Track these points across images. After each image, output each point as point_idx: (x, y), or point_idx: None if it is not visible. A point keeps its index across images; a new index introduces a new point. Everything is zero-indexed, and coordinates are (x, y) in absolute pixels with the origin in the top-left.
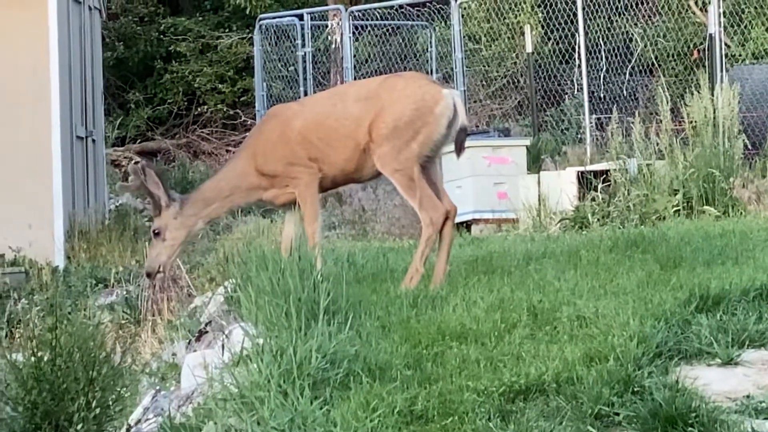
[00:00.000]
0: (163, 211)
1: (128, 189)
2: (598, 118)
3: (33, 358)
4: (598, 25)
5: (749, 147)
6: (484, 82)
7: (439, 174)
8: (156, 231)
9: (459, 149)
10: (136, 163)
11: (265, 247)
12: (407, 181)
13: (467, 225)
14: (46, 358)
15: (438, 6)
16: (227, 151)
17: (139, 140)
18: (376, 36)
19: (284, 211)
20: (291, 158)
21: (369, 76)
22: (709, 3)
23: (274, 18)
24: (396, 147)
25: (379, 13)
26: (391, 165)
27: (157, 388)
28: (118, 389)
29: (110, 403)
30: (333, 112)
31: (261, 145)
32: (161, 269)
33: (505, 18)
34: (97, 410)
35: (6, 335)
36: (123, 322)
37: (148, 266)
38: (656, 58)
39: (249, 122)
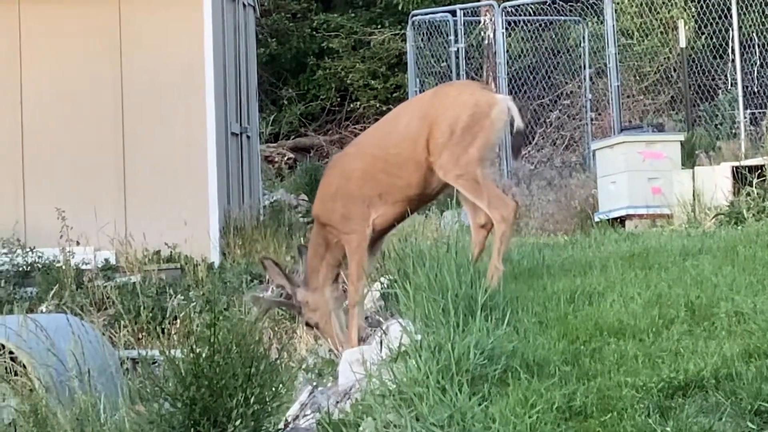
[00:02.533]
0: (298, 303)
1: (263, 314)
2: (753, 113)
3: (191, 355)
4: (752, 20)
5: None
6: (636, 78)
7: (493, 175)
8: (308, 324)
9: (516, 152)
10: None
11: (422, 243)
12: (472, 184)
13: (621, 220)
14: (204, 355)
15: (591, 1)
16: None
17: (292, 136)
18: (529, 31)
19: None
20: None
21: (521, 72)
22: None
23: (426, 14)
24: (455, 154)
25: (531, 8)
26: (453, 172)
27: (314, 384)
28: (276, 385)
29: (268, 399)
30: (390, 140)
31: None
32: (340, 342)
33: (657, 13)
34: (255, 406)
35: (162, 331)
36: (278, 318)
37: (335, 346)
38: None
39: None
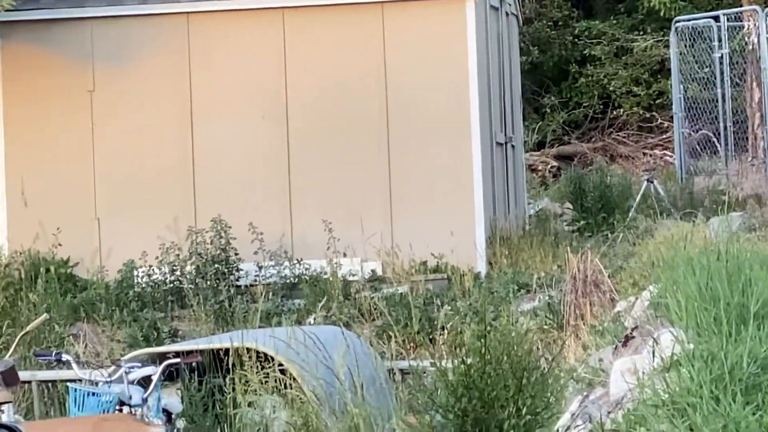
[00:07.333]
0: None
1: None
2: None
3: (462, 366)
4: None
5: None
6: None
7: None
8: None
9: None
10: None
11: (690, 251)
12: None
13: None
14: (475, 366)
15: None
16: (644, 154)
17: (555, 144)
18: None
19: None
20: None
21: None
22: None
23: (689, 20)
24: None
25: None
26: None
27: (585, 393)
28: (547, 396)
29: (539, 409)
30: None
31: None
32: None
33: None
34: (527, 417)
35: (431, 341)
36: (545, 327)
37: None
38: None
39: (665, 125)
